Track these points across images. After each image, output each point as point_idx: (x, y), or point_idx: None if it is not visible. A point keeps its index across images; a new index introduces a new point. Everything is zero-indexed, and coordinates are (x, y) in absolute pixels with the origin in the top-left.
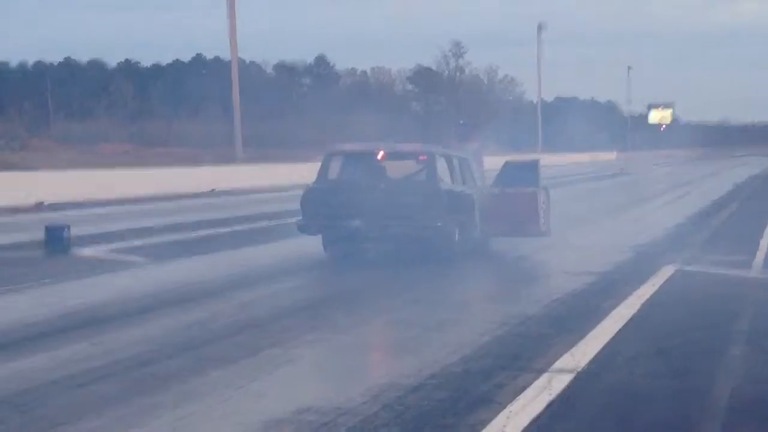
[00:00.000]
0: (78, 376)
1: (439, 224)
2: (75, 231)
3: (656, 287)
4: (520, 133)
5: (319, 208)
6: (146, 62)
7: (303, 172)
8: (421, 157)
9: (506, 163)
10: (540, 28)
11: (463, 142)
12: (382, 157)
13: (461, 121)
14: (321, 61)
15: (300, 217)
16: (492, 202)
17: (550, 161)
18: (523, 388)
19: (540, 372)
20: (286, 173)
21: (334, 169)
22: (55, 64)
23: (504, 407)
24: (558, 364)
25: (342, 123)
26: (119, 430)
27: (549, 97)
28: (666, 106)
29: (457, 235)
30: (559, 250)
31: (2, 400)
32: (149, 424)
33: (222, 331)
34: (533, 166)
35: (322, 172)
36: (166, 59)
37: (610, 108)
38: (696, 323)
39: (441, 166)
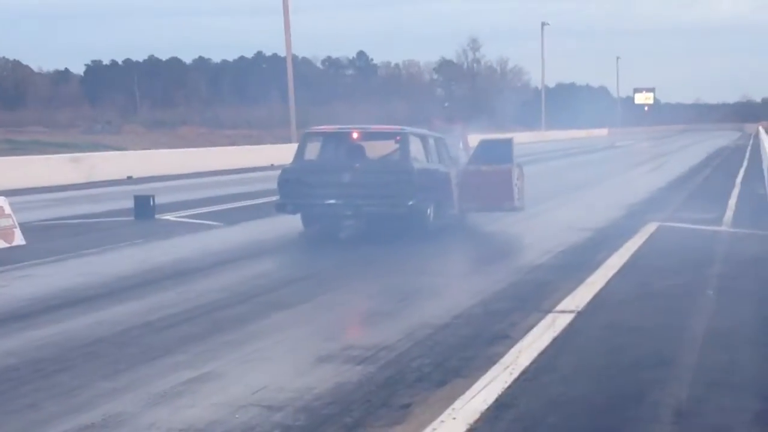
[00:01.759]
0: (166, 318)
1: (410, 203)
2: (159, 200)
3: (642, 240)
4: (527, 114)
5: (295, 188)
6: (216, 58)
7: (390, 146)
8: (395, 138)
9: (481, 141)
10: (543, 24)
11: (448, 123)
12: (357, 137)
13: (446, 104)
14: (361, 55)
15: (278, 197)
16: (469, 179)
17: (552, 137)
18: (532, 326)
19: (546, 312)
20: (380, 146)
21: (311, 150)
22: (141, 61)
23: (516, 342)
24: (561, 305)
25: (379, 108)
26: (201, 362)
27: (551, 83)
28: (648, 89)
29: (431, 213)
30: (562, 209)
31: (103, 339)
32: (225, 357)
33: (283, 281)
34: (507, 144)
35: (299, 153)
36: (232, 56)
37: (603, 91)
38: (676, 269)
39: (415, 146)
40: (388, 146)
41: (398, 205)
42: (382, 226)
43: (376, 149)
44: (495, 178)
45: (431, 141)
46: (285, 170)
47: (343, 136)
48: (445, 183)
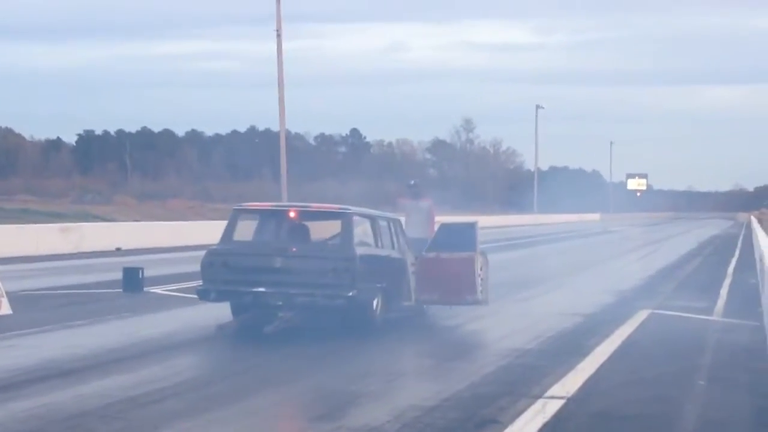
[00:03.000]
0: (153, 393)
1: (350, 294)
2: (148, 272)
3: (633, 327)
4: (519, 196)
5: (220, 273)
6: (209, 132)
7: (336, 228)
8: (338, 218)
9: (442, 225)
10: (537, 107)
11: (416, 201)
12: (294, 217)
13: (412, 182)
14: (355, 132)
15: (200, 282)
16: (427, 267)
17: (544, 220)
18: (522, 411)
19: (536, 398)
20: (324, 228)
21: (242, 229)
22: (134, 132)
23: (505, 427)
24: (551, 391)
25: (371, 186)
26: None
27: (544, 166)
28: (641, 175)
29: (378, 305)
30: (553, 294)
31: (88, 413)
32: None
33: (269, 355)
34: (470, 228)
35: (227, 233)
36: (225, 129)
37: (596, 176)
38: (667, 357)
39: (361, 228)
40: (330, 228)
41: (336, 296)
42: (320, 318)
43: (315, 231)
44: (456, 267)
45: (382, 223)
46: (210, 252)
47: (278, 215)
48: (398, 271)
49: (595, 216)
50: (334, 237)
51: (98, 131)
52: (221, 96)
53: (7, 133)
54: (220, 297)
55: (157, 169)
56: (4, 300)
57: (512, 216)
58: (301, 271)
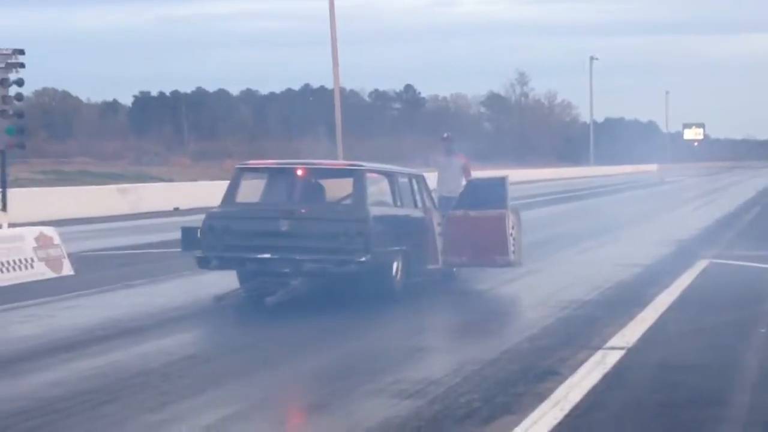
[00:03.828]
0: (214, 350)
1: (363, 259)
2: None
3: (693, 277)
4: (574, 149)
5: (221, 238)
6: (263, 90)
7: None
8: (350, 176)
9: (470, 181)
10: (592, 59)
11: (448, 157)
12: (302, 175)
13: (445, 135)
14: (409, 88)
15: (200, 249)
16: (454, 226)
17: (601, 172)
18: (582, 363)
19: (596, 349)
20: (338, 187)
21: (245, 189)
22: (189, 92)
23: (566, 378)
24: (611, 341)
25: (426, 141)
26: (246, 396)
27: (600, 118)
28: (697, 125)
29: (398, 270)
30: (611, 245)
31: (150, 371)
32: (271, 390)
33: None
34: (500, 183)
35: (229, 194)
36: (280, 88)
37: (652, 126)
38: (728, 306)
39: (376, 186)
40: (342, 187)
41: (348, 262)
42: (334, 285)
43: (326, 190)
44: (485, 225)
45: (402, 179)
46: (210, 215)
47: (285, 174)
48: (421, 231)
49: (652, 167)
50: (343, 196)
51: (154, 92)
52: (275, 55)
53: (65, 95)
54: (221, 265)
55: (213, 129)
56: (66, 261)
57: (568, 168)
58: (309, 234)
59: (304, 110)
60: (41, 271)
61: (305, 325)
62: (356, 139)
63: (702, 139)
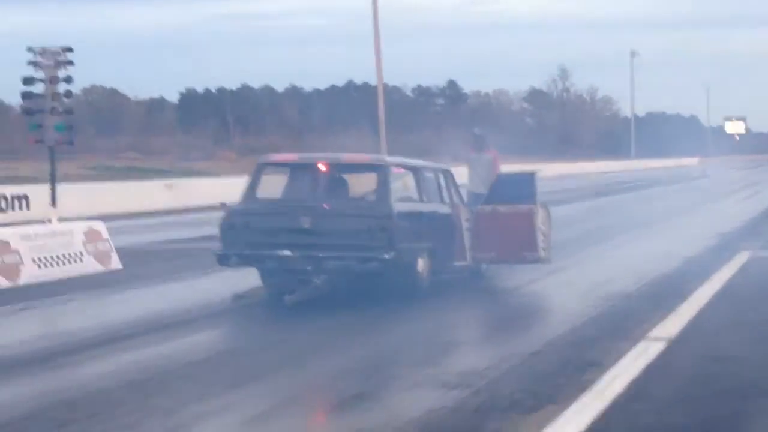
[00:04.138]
0: (260, 343)
1: (386, 256)
2: None
3: (734, 270)
4: (615, 144)
5: (241, 235)
6: (308, 87)
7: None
8: (374, 170)
9: (499, 176)
10: (633, 54)
11: (479, 153)
12: (325, 170)
13: (476, 130)
14: (452, 84)
15: (220, 247)
16: (482, 222)
17: (642, 166)
18: (624, 354)
19: (638, 340)
20: (361, 182)
21: (266, 185)
22: (234, 89)
23: (608, 369)
24: (653, 333)
25: (468, 136)
26: (292, 387)
27: (641, 112)
28: (739, 118)
29: (424, 266)
30: (653, 238)
31: (198, 362)
32: (317, 382)
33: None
34: (530, 178)
35: (250, 190)
36: (324, 84)
37: (693, 120)
38: None
39: (400, 181)
40: (365, 182)
41: (371, 259)
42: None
43: (349, 186)
44: (514, 221)
45: (428, 174)
46: (230, 212)
47: (307, 169)
48: (448, 227)
49: (693, 160)
50: (366, 191)
51: (200, 89)
52: (319, 52)
53: (112, 93)
54: (241, 262)
55: (258, 125)
56: (114, 255)
57: (609, 162)
58: (331, 231)
59: (347, 106)
60: (90, 265)
61: (333, 321)
62: (399, 135)
63: (743, 133)
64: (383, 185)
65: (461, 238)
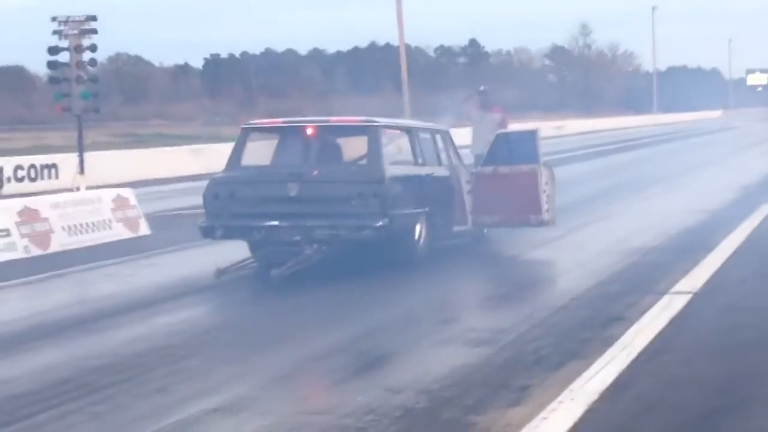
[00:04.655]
0: (288, 305)
1: (379, 224)
2: None
3: (757, 222)
4: (638, 98)
5: (226, 205)
6: (330, 49)
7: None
8: (364, 133)
9: (498, 135)
10: (653, 8)
11: (484, 111)
12: (312, 134)
13: (482, 88)
14: (473, 43)
15: (203, 218)
16: (483, 184)
17: (664, 120)
18: (648, 308)
19: (662, 293)
20: (352, 146)
21: (251, 151)
22: (258, 53)
23: (633, 323)
24: (677, 286)
25: (490, 94)
26: (324, 345)
27: (662, 67)
28: (762, 70)
29: (421, 233)
30: (676, 192)
31: (227, 325)
32: (346, 340)
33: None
34: (531, 137)
35: (235, 157)
36: (346, 46)
37: (715, 73)
38: None
39: (394, 144)
40: (357, 146)
41: (362, 227)
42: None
43: (339, 150)
44: (516, 182)
45: (424, 135)
46: (213, 181)
47: (293, 133)
48: (446, 191)
49: (716, 113)
50: (356, 156)
51: (224, 54)
52: (341, 13)
53: (137, 60)
54: (227, 234)
55: (282, 89)
56: (143, 221)
57: (632, 117)
58: (320, 198)
59: (371, 68)
60: (119, 232)
61: (353, 285)
62: (423, 95)
63: (766, 84)
64: (375, 148)
65: (461, 201)
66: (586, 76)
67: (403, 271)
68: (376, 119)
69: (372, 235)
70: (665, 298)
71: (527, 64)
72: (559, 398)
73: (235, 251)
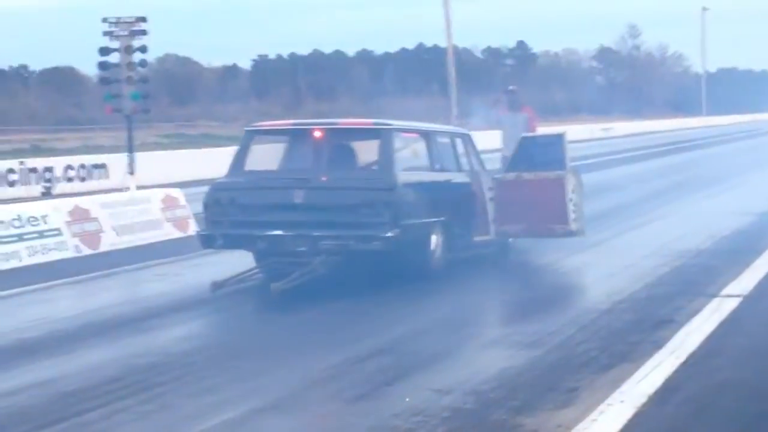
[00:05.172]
0: (339, 304)
1: (389, 234)
2: None
3: None
4: (687, 100)
5: (228, 213)
6: (378, 50)
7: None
8: (375, 137)
9: (523, 139)
10: (703, 9)
11: (513, 112)
12: (320, 137)
13: (510, 87)
14: (521, 44)
15: (203, 225)
16: (506, 191)
17: (714, 122)
18: (698, 311)
19: (711, 296)
20: (364, 151)
21: (255, 155)
22: (305, 54)
23: (682, 326)
24: (727, 289)
25: (538, 96)
26: (372, 343)
27: (712, 68)
28: None
29: (437, 243)
30: (726, 194)
31: (274, 323)
32: (396, 334)
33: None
34: (557, 140)
35: (237, 161)
36: (394, 48)
37: (765, 75)
38: None
39: (408, 148)
40: (367, 150)
41: (371, 238)
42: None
43: (349, 155)
44: (541, 190)
45: (442, 140)
46: (215, 186)
47: (300, 136)
48: (466, 199)
49: (766, 116)
50: (367, 161)
51: (272, 55)
52: (389, 15)
53: (186, 61)
54: (228, 244)
55: (330, 90)
56: (192, 221)
57: (680, 119)
58: (327, 206)
59: (418, 69)
60: (168, 232)
61: (390, 290)
62: (470, 96)
63: None
64: (386, 153)
65: (483, 210)
66: (635, 78)
67: (429, 281)
68: (389, 122)
69: (382, 247)
70: (715, 301)
71: (575, 66)
72: (608, 400)
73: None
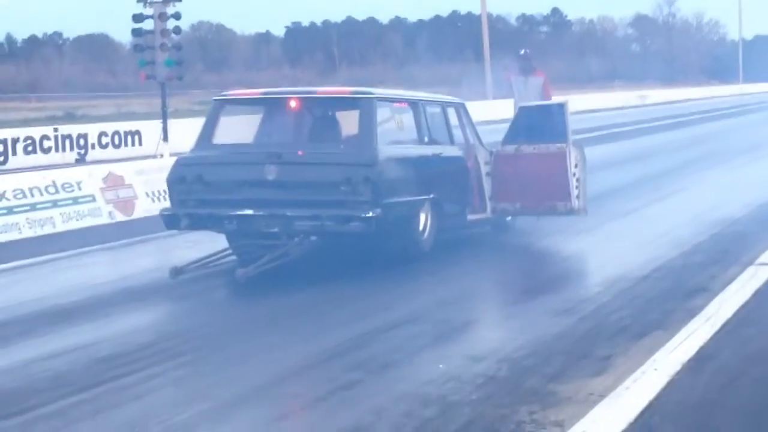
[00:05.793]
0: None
1: (369, 214)
2: None
3: None
4: (723, 68)
5: (193, 191)
6: (412, 18)
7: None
8: (352, 107)
9: (522, 109)
10: None
11: (525, 76)
12: (296, 107)
13: (522, 51)
14: (556, 11)
15: (168, 205)
16: (504, 165)
17: (751, 90)
18: (733, 279)
19: (747, 265)
20: (346, 122)
21: (225, 127)
22: (339, 22)
23: (717, 295)
24: (762, 257)
25: (573, 64)
26: (408, 311)
27: (748, 35)
28: None
29: (426, 223)
30: (761, 162)
31: (322, 303)
32: (424, 300)
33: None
34: (558, 110)
35: (205, 134)
36: (428, 15)
37: None
38: None
39: (393, 119)
40: (347, 121)
41: (350, 219)
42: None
43: (327, 127)
44: (542, 164)
45: (432, 109)
46: (179, 162)
47: (273, 106)
48: (458, 174)
49: None
50: (347, 133)
51: (305, 23)
52: None
53: (219, 29)
54: (193, 224)
55: (363, 57)
56: None
57: (717, 87)
58: (302, 184)
59: (452, 36)
60: None
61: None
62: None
63: None
64: (367, 124)
65: (479, 186)
66: (670, 45)
67: (449, 253)
68: (371, 90)
69: (362, 228)
70: (750, 269)
71: (610, 33)
72: (642, 368)
73: None
